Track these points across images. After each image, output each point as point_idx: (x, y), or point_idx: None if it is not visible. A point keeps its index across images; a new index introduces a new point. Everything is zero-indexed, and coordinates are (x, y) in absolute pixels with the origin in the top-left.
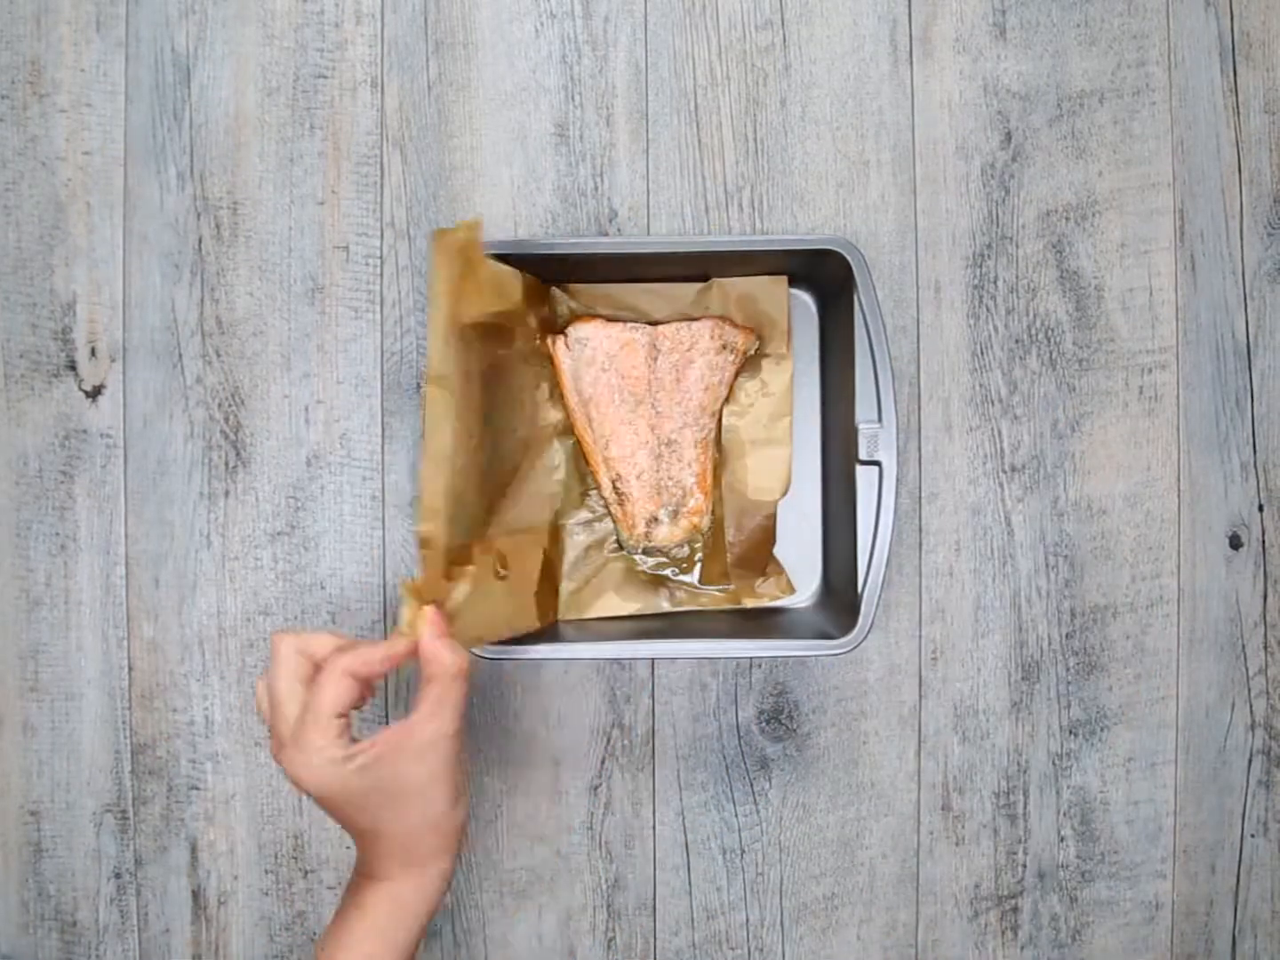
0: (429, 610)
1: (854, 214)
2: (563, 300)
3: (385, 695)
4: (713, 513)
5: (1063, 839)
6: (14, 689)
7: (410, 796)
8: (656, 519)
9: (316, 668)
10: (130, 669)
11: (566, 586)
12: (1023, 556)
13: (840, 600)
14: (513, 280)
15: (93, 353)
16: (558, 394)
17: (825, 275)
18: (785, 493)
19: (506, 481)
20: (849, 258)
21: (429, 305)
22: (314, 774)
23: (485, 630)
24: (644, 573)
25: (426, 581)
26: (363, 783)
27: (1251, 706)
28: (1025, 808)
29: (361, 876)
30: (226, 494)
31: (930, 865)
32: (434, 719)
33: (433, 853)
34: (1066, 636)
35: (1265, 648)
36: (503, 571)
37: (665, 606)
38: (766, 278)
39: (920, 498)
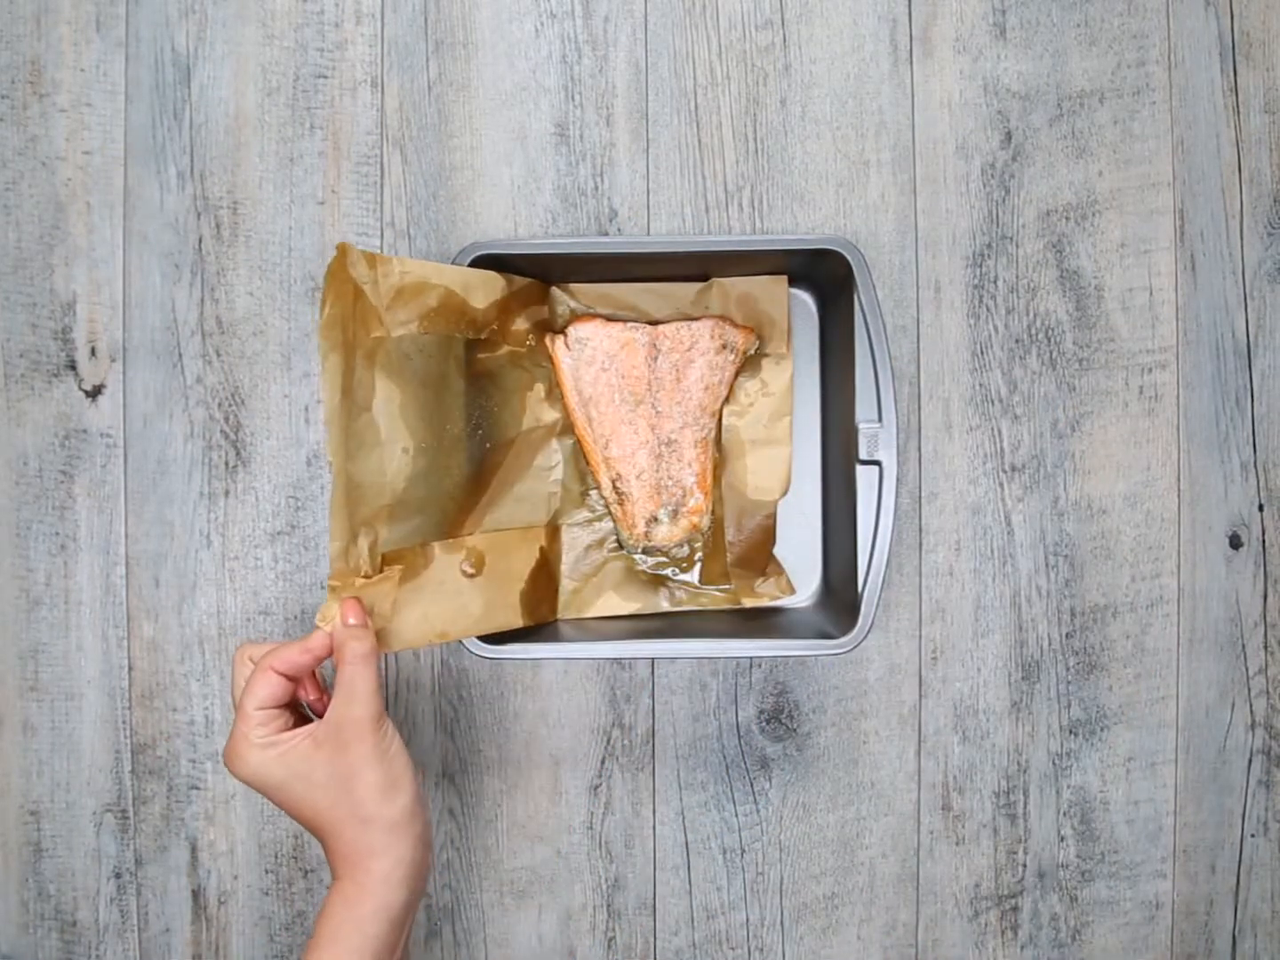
0: (345, 601)
1: (854, 214)
2: (563, 300)
3: (385, 688)
4: (713, 512)
5: (1063, 839)
6: (14, 689)
7: (333, 788)
8: (656, 519)
9: None
10: (130, 669)
11: (566, 586)
12: (1023, 556)
13: (840, 600)
14: (478, 283)
15: (93, 352)
16: (557, 394)
17: (825, 275)
18: (785, 492)
19: (486, 482)
20: (849, 257)
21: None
22: (237, 762)
23: (447, 625)
24: (644, 572)
25: (338, 577)
26: (285, 772)
27: (1251, 706)
28: (1025, 807)
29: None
30: (226, 494)
31: (930, 865)
32: (345, 705)
33: (371, 851)
34: (1066, 636)
35: (1265, 647)
36: (470, 570)
37: (665, 606)
38: (766, 277)
39: (920, 497)
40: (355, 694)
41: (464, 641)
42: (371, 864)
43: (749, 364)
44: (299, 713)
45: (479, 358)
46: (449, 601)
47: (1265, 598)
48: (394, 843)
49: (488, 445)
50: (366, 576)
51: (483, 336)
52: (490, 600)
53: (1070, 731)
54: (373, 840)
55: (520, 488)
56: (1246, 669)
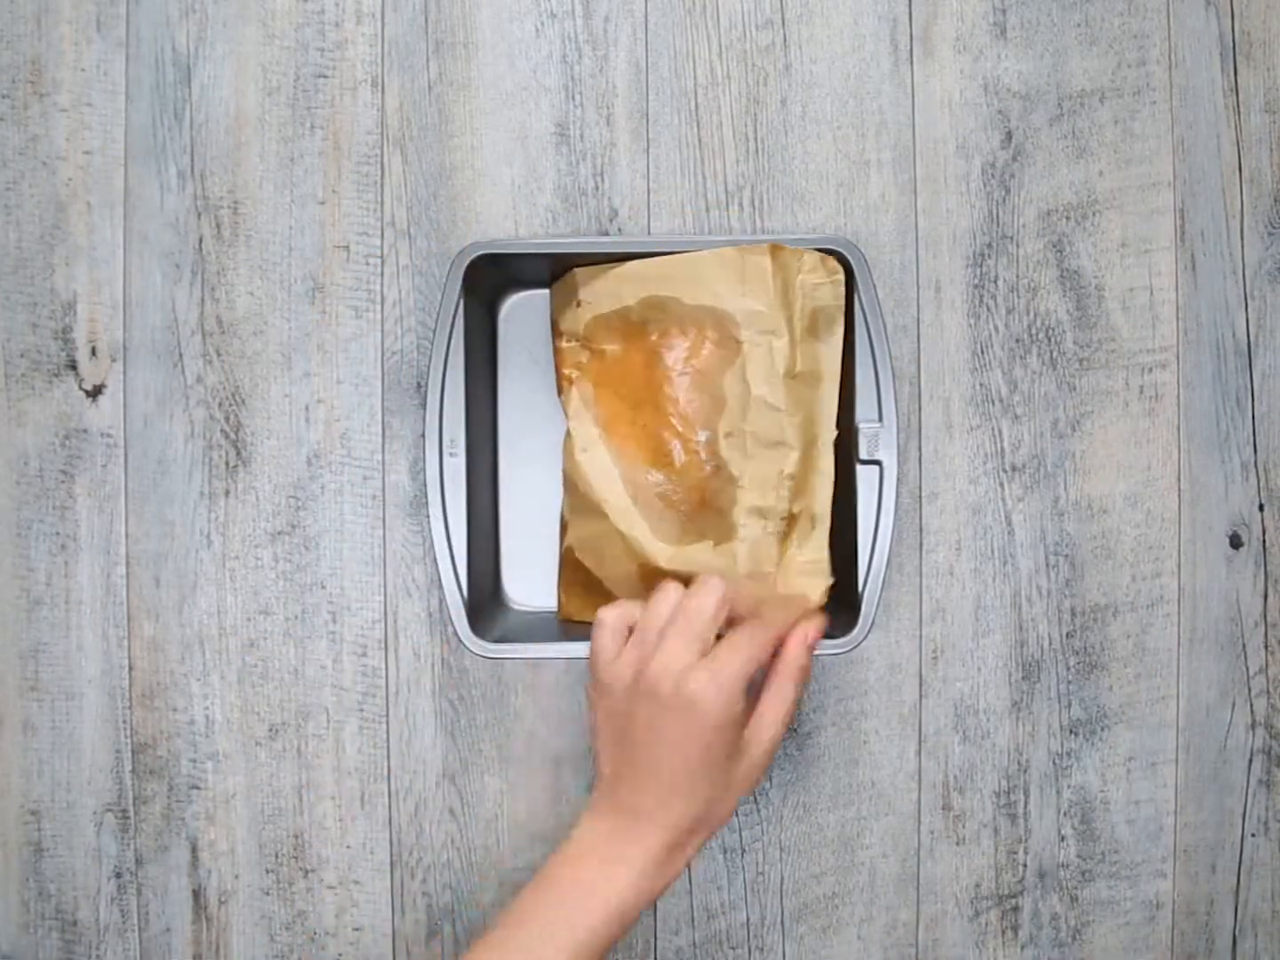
0: (819, 617)
1: (854, 213)
2: None
3: (385, 688)
4: None
5: (1063, 838)
6: (14, 689)
7: (729, 780)
8: None
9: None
10: (130, 668)
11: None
12: (1023, 556)
13: (840, 600)
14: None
15: (93, 352)
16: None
17: None
18: None
19: None
20: (849, 257)
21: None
22: (720, 710)
23: None
24: None
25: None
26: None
27: (1252, 706)
28: (1025, 807)
29: (616, 841)
30: (227, 493)
31: (930, 865)
32: (771, 725)
33: (686, 849)
34: (1067, 636)
35: (1265, 647)
36: None
37: None
38: None
39: (920, 497)
40: (783, 720)
41: (463, 641)
42: (690, 845)
43: None
44: None
45: None
46: None
47: (1265, 598)
48: (693, 852)
49: None
50: None
51: None
52: None
53: (1070, 731)
54: (698, 840)
55: None
56: (1247, 669)
